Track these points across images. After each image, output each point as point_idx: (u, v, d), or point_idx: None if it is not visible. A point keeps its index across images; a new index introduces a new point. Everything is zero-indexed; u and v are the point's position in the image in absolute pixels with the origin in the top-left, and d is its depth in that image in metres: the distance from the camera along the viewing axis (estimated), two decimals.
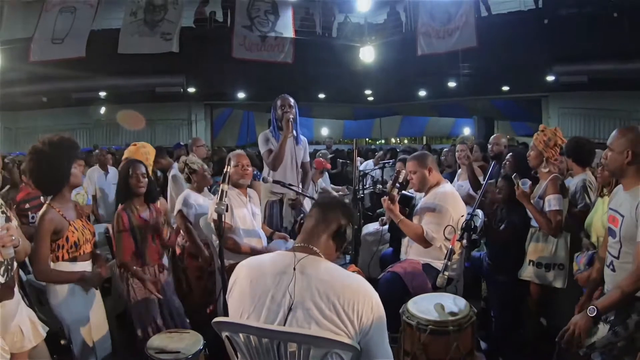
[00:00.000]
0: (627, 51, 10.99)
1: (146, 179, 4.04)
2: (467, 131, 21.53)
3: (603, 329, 2.91)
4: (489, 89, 16.44)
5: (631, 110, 13.62)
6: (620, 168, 2.97)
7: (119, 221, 3.90)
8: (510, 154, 5.16)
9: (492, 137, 6.46)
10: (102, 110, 16.95)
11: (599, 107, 14.64)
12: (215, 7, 13.49)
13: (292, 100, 5.18)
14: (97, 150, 9.19)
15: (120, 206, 4.01)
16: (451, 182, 5.17)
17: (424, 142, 24.31)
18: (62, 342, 3.55)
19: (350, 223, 2.38)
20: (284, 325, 2.05)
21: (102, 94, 14.42)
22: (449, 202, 4.17)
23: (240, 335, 2.09)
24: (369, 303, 2.07)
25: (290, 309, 2.05)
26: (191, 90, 14.78)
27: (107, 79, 13.32)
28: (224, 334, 2.14)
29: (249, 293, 2.16)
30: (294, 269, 2.13)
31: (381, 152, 11.42)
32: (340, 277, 2.15)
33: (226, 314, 2.29)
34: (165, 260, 4.33)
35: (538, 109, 16.59)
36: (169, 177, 6.21)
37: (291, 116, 5.04)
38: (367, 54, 11.96)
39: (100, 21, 12.42)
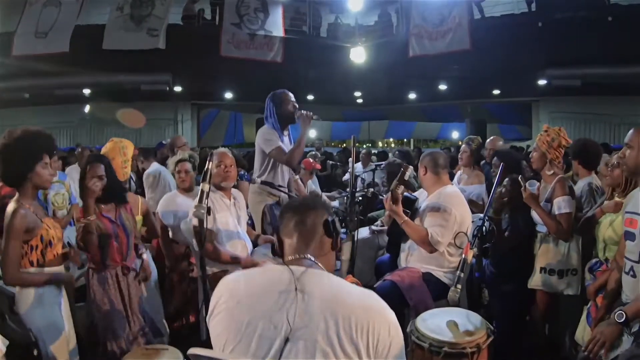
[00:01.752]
0: (621, 56, 11.01)
1: (104, 180, 3.74)
2: (455, 134, 21.51)
3: (627, 341, 2.70)
4: (480, 92, 16.42)
5: (622, 115, 13.64)
6: None
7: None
8: (495, 157, 5.05)
9: (488, 141, 6.27)
10: (86, 108, 16.66)
11: (590, 111, 14.71)
12: (204, 5, 13.26)
13: None
14: (79, 149, 8.95)
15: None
16: None
17: (412, 145, 24.31)
18: (35, 353, 3.29)
19: (332, 214, 2.03)
20: (279, 359, 1.65)
21: (86, 91, 14.17)
22: (454, 204, 3.97)
23: None
24: (385, 326, 1.70)
25: (287, 339, 1.66)
26: (177, 89, 14.52)
27: (91, 76, 13.04)
28: None
29: (234, 319, 1.75)
30: (296, 289, 1.74)
31: (364, 151, 11.23)
32: (349, 294, 1.77)
33: (208, 333, 1.89)
34: (134, 263, 4.00)
35: (529, 113, 16.60)
36: (144, 176, 6.06)
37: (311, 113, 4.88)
38: (358, 55, 11.83)
39: (86, 16, 12.12)
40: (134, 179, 6.62)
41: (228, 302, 1.82)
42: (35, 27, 11.54)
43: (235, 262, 3.90)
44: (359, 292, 1.81)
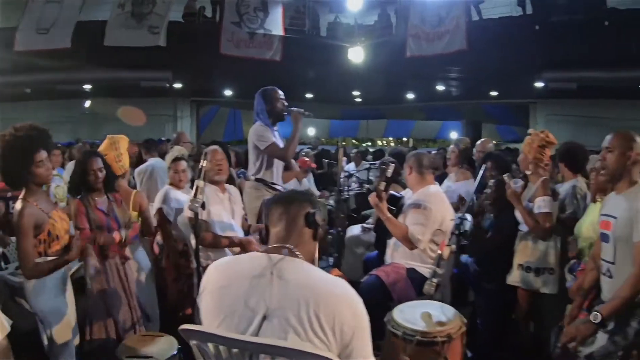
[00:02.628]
0: (617, 60, 11.03)
1: (104, 172, 3.88)
2: (454, 135, 21.59)
3: (601, 338, 2.84)
4: (477, 93, 16.44)
5: (619, 119, 13.66)
6: (621, 169, 2.93)
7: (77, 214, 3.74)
8: (489, 159, 5.14)
9: (478, 142, 6.37)
10: (87, 103, 16.71)
11: (587, 114, 14.72)
12: (205, 2, 13.34)
13: None
14: (79, 144, 9.03)
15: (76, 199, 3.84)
16: (440, 184, 5.08)
17: (411, 145, 24.33)
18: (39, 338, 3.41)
19: (317, 207, 2.20)
20: (257, 334, 1.86)
21: (87, 86, 14.21)
22: (434, 203, 4.10)
23: (209, 345, 1.90)
24: (350, 310, 1.90)
25: (264, 317, 1.87)
26: (177, 85, 14.58)
27: (92, 72, 13.04)
28: (192, 343, 1.94)
29: (219, 299, 1.98)
30: (272, 273, 1.94)
31: (356, 151, 11.31)
32: (321, 281, 1.96)
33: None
34: (130, 252, 4.17)
35: (526, 114, 16.64)
36: (135, 173, 6.12)
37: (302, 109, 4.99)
38: (356, 55, 11.85)
39: (87, 12, 12.19)
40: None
41: (214, 284, 2.03)
42: (37, 23, 11.59)
43: (234, 245, 4.08)
44: (330, 280, 2.00)
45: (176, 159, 4.89)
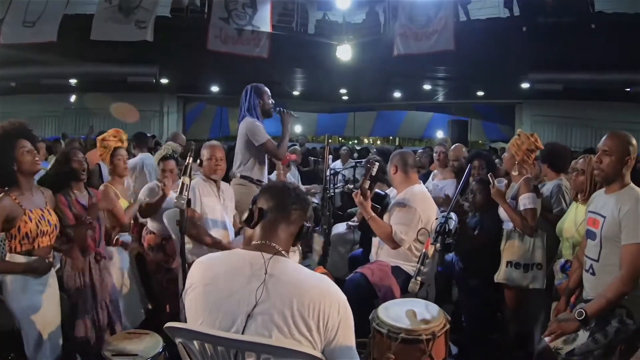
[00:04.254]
0: (603, 62, 11.18)
1: (86, 164, 3.88)
2: (440, 134, 21.68)
3: (583, 336, 2.88)
4: (464, 93, 16.54)
5: (604, 120, 13.82)
6: (618, 172, 2.94)
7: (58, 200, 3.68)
8: (477, 158, 5.18)
9: (451, 149, 6.30)
10: (72, 98, 16.61)
11: (573, 116, 14.89)
12: None
13: None
14: (66, 139, 8.96)
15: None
16: (424, 182, 5.10)
17: (397, 143, 24.37)
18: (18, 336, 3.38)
19: (310, 218, 2.24)
20: (242, 332, 1.86)
21: (73, 81, 14.15)
22: (418, 202, 4.11)
23: (195, 342, 1.90)
24: (334, 306, 1.91)
25: (249, 315, 1.87)
26: (164, 81, 14.54)
27: (78, 66, 13.01)
28: (178, 340, 1.94)
29: (204, 296, 1.97)
30: (265, 272, 1.94)
31: (346, 149, 11.33)
32: (306, 279, 1.97)
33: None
34: (107, 249, 4.17)
35: (512, 114, 16.76)
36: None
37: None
38: (344, 53, 11.86)
39: (74, 6, 12.07)
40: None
41: (199, 282, 2.01)
42: (23, 15, 11.45)
43: (216, 246, 4.04)
44: (314, 277, 2.01)
45: (164, 158, 4.89)
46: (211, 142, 4.46)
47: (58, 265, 3.87)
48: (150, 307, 4.85)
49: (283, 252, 2.07)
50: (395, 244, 4.01)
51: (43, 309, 3.33)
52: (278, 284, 1.92)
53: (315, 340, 1.87)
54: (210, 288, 1.97)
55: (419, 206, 4.08)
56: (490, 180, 4.23)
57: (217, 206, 4.26)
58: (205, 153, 4.25)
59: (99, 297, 3.83)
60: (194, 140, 10.51)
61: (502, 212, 4.32)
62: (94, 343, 3.66)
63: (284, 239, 2.11)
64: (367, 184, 4.04)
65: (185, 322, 2.02)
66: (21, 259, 3.25)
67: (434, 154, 6.43)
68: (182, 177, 3.12)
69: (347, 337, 1.97)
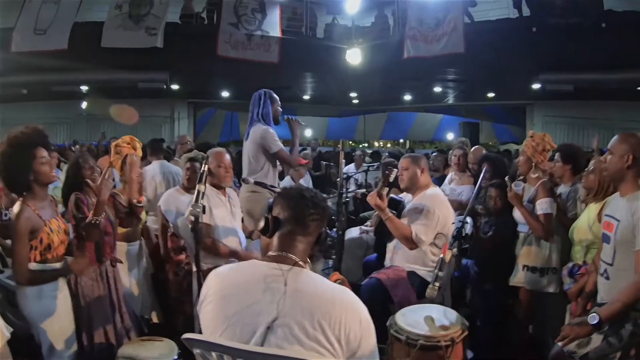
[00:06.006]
0: (613, 61, 11.07)
1: (98, 170, 3.90)
2: (450, 136, 21.60)
3: (597, 339, 2.86)
4: (474, 95, 16.47)
5: (615, 120, 13.72)
6: (620, 172, 2.94)
7: (79, 206, 3.67)
8: (485, 161, 5.14)
9: (471, 152, 6.22)
10: (84, 104, 16.68)
11: (584, 116, 14.79)
12: (203, 4, 13.27)
13: None
14: (77, 146, 8.98)
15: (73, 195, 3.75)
16: (439, 186, 5.07)
17: (407, 146, 24.32)
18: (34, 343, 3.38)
19: (327, 224, 2.21)
20: (262, 345, 1.84)
21: (84, 87, 14.19)
22: (437, 205, 4.10)
23: (213, 354, 1.86)
24: (356, 319, 1.88)
25: (268, 327, 1.84)
26: (174, 87, 14.57)
27: (89, 73, 13.04)
28: (196, 351, 1.92)
29: (222, 308, 1.94)
30: (285, 284, 1.91)
31: (359, 153, 11.32)
32: (326, 290, 1.95)
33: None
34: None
35: (523, 116, 16.68)
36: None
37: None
38: (354, 56, 11.83)
39: (84, 13, 12.17)
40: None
41: (217, 293, 1.99)
42: (34, 23, 11.55)
43: (234, 256, 4.03)
44: (335, 289, 1.99)
45: (192, 159, 4.90)
46: (217, 149, 4.41)
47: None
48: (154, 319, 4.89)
49: (301, 263, 2.04)
50: (412, 244, 4.00)
51: (57, 314, 3.33)
52: (298, 295, 1.89)
53: (337, 353, 1.85)
54: (228, 300, 1.95)
55: (438, 208, 4.07)
56: (507, 184, 4.21)
57: (228, 215, 4.24)
58: (213, 160, 4.16)
59: (116, 303, 3.83)
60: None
61: (518, 215, 4.30)
62: (114, 350, 3.64)
63: (302, 250, 2.08)
64: (385, 191, 4.02)
65: (200, 332, 2.00)
66: (37, 267, 3.24)
67: (452, 157, 6.29)
68: (197, 185, 3.11)
69: (370, 349, 1.94)
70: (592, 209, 3.70)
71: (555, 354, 3.15)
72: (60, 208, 3.92)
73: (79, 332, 3.56)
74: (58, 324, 3.34)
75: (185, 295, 4.58)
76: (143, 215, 4.84)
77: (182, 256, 4.80)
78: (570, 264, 3.91)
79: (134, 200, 4.23)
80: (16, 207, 3.18)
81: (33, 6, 11.71)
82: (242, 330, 1.88)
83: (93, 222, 3.42)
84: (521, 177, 4.61)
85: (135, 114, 15.14)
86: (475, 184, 5.73)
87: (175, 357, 3.11)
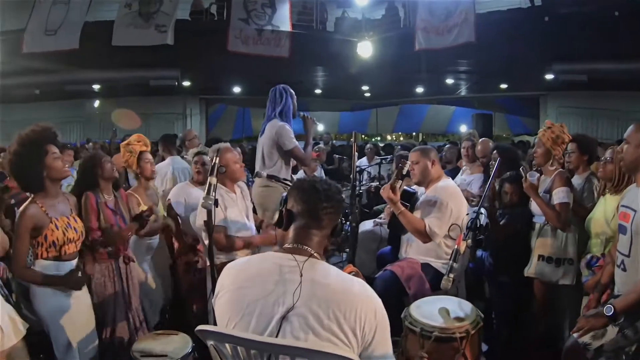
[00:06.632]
0: (627, 51, 10.91)
1: (114, 168, 3.95)
2: (463, 128, 21.51)
3: (612, 332, 2.82)
4: (487, 86, 16.38)
5: (629, 111, 13.58)
6: (636, 161, 2.88)
7: (87, 203, 3.70)
8: (498, 154, 5.09)
9: (478, 145, 6.17)
10: (96, 103, 16.78)
11: (598, 106, 14.64)
12: (212, 1, 13.31)
13: None
14: (90, 144, 9.01)
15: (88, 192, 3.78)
16: (453, 179, 5.03)
17: (420, 139, 24.22)
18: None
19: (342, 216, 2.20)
20: (277, 335, 1.84)
21: (96, 86, 14.26)
22: (450, 197, 4.07)
23: (227, 345, 1.87)
24: (371, 311, 1.89)
25: (283, 318, 1.85)
26: (186, 83, 14.63)
27: (100, 72, 13.16)
28: (209, 343, 1.93)
29: (237, 300, 1.95)
30: (301, 275, 1.92)
31: (370, 146, 11.29)
32: (340, 281, 1.95)
33: (215, 320, 2.08)
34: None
35: (536, 107, 16.55)
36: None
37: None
38: (365, 50, 11.79)
39: (94, 13, 12.21)
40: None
41: (231, 285, 2.00)
42: (44, 24, 11.66)
43: (249, 247, 4.05)
44: (350, 280, 1.98)
45: (199, 153, 4.94)
46: (227, 146, 4.31)
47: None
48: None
49: (317, 254, 2.04)
50: (426, 237, 3.98)
51: (71, 312, 3.34)
52: (314, 286, 1.90)
53: (352, 344, 1.84)
54: (243, 291, 1.95)
55: (451, 201, 4.04)
56: (523, 174, 4.17)
57: (239, 213, 4.20)
58: (229, 158, 4.10)
59: (131, 299, 3.86)
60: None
61: (534, 206, 4.26)
62: (127, 345, 3.65)
63: (317, 242, 2.09)
64: (398, 184, 4.00)
65: (215, 324, 2.01)
66: (49, 266, 3.27)
67: (462, 149, 6.36)
68: (209, 178, 3.11)
69: (384, 341, 1.94)
70: (609, 201, 3.65)
71: (570, 346, 3.12)
72: None
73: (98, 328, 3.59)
74: (72, 321, 3.35)
75: (196, 291, 4.59)
76: (160, 208, 4.86)
77: (191, 255, 4.79)
78: (588, 256, 3.86)
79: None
80: (24, 204, 3.23)
81: (43, 7, 11.82)
82: (257, 320, 1.88)
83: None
84: (536, 168, 4.56)
85: (137, 118, 15.20)
86: (484, 172, 5.73)
87: (190, 350, 3.11)
